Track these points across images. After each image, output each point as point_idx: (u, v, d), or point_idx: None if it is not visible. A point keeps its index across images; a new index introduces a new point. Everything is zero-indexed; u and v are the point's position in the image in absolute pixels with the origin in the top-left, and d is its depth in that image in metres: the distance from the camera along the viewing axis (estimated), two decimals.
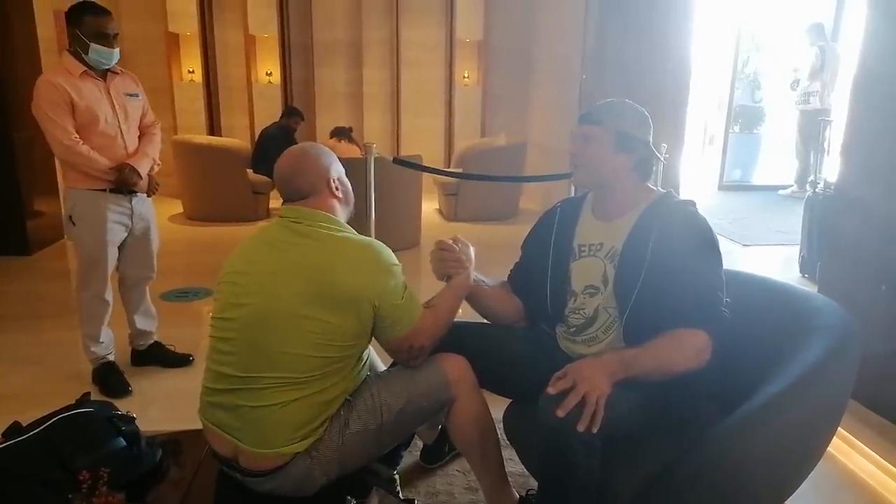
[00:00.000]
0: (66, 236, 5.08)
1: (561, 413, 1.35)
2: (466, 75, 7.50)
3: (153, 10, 6.57)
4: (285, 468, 1.50)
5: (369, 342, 1.62)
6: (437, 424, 1.82)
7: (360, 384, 1.62)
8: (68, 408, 1.75)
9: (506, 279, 1.93)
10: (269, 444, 1.48)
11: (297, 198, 1.61)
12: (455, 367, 1.66)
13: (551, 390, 1.39)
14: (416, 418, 1.66)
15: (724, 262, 1.61)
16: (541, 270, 1.79)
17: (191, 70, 7.01)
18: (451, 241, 1.76)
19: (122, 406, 1.96)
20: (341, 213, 1.65)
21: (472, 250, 1.77)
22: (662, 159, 1.76)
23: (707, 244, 1.59)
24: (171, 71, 6.82)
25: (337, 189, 1.63)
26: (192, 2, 6.65)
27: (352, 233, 1.61)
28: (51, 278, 4.36)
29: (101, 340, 2.74)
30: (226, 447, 1.55)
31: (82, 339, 2.76)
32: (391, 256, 1.56)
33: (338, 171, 1.66)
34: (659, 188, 1.76)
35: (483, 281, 1.84)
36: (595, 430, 1.36)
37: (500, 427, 1.87)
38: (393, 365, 1.78)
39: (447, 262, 1.74)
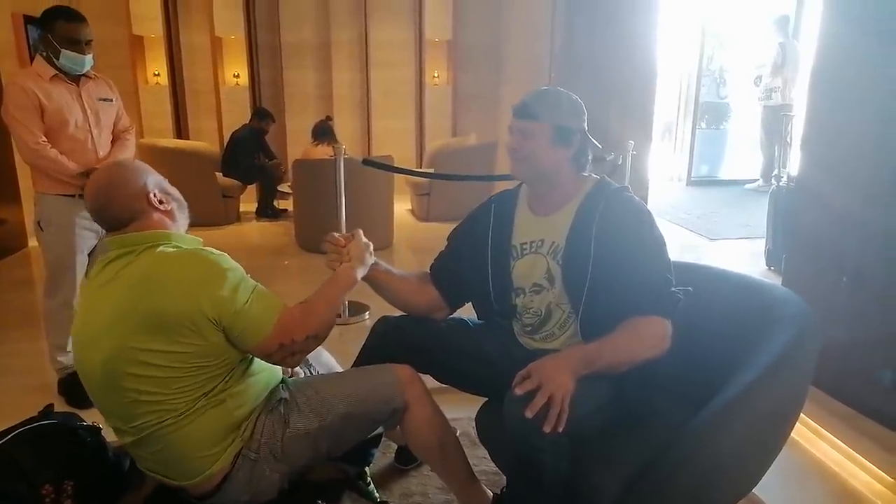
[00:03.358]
0: (30, 242, 4.97)
1: (530, 414, 1.34)
2: (436, 75, 7.50)
3: (116, 13, 6.45)
4: (230, 478, 1.48)
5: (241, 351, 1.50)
6: None
7: (301, 382, 1.63)
8: (30, 420, 1.71)
9: (426, 270, 1.89)
10: (196, 473, 1.47)
11: (120, 227, 1.48)
12: (404, 373, 1.64)
13: (518, 391, 1.38)
14: (365, 422, 1.62)
15: (691, 256, 1.64)
16: (480, 269, 1.77)
17: (156, 73, 6.90)
18: (340, 236, 1.72)
19: (89, 417, 1.92)
20: (176, 226, 1.54)
21: (363, 247, 1.70)
22: (600, 146, 1.74)
23: (647, 229, 1.59)
24: (136, 74, 6.70)
25: (161, 203, 1.51)
26: (156, 4, 6.53)
27: (189, 244, 1.50)
28: (13, 288, 4.26)
29: (67, 350, 2.68)
30: (169, 483, 1.53)
31: (48, 349, 2.70)
32: (221, 262, 1.43)
33: (156, 182, 1.54)
34: (592, 175, 1.74)
35: (390, 270, 1.82)
36: (561, 430, 1.36)
37: (472, 427, 1.88)
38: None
39: (328, 254, 1.70)
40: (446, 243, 1.91)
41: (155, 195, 1.51)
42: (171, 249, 1.44)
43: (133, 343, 1.37)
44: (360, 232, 1.73)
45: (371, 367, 1.68)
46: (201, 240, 1.56)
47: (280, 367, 1.63)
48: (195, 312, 1.36)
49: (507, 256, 1.75)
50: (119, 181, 1.49)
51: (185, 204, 1.59)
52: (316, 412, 1.55)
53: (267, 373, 1.59)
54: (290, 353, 1.48)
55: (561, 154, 1.65)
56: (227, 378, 1.47)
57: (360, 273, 1.68)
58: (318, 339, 1.53)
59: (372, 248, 1.73)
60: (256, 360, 1.56)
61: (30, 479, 1.52)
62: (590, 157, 1.71)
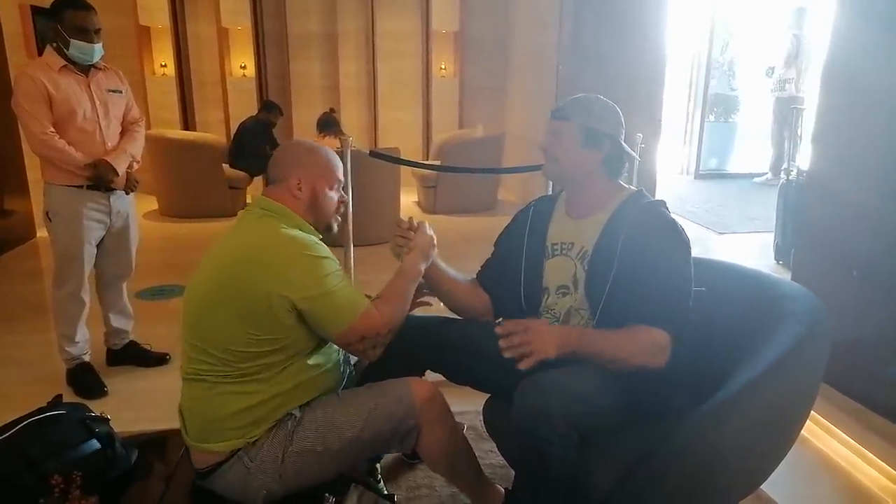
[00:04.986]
0: (38, 233, 5.00)
1: (503, 345, 1.44)
2: (443, 67, 7.47)
3: (123, 4, 6.44)
4: (221, 469, 1.51)
5: (310, 344, 1.55)
6: None
7: (316, 397, 1.59)
8: (39, 411, 1.72)
9: (475, 276, 1.92)
10: (202, 438, 1.52)
11: (270, 181, 1.62)
12: (422, 393, 1.60)
13: (504, 344, 1.45)
14: (375, 446, 1.61)
15: (700, 250, 1.63)
16: (514, 268, 1.80)
17: (163, 64, 6.90)
18: (408, 220, 1.75)
19: (97, 407, 1.93)
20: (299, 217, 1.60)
21: (428, 239, 1.73)
22: (636, 157, 1.76)
23: (675, 246, 1.59)
24: (142, 65, 6.70)
25: (298, 189, 1.58)
26: None
27: (306, 230, 1.57)
28: (22, 279, 4.28)
29: (76, 340, 2.70)
30: (184, 438, 1.59)
31: (57, 339, 2.72)
32: (315, 249, 1.49)
33: (312, 177, 1.59)
34: (630, 186, 1.76)
35: (447, 270, 1.84)
36: (523, 367, 1.41)
37: (480, 421, 1.87)
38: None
39: (394, 236, 1.73)
40: (493, 249, 1.94)
41: (299, 181, 1.58)
42: (285, 229, 1.51)
43: (212, 292, 1.48)
44: (426, 224, 1.75)
45: (388, 386, 1.63)
46: (319, 238, 1.60)
47: (329, 383, 1.65)
48: (267, 285, 1.43)
49: (540, 255, 1.76)
50: (298, 149, 1.66)
51: (323, 213, 1.63)
52: (321, 435, 1.53)
53: (311, 384, 1.59)
54: (371, 346, 1.55)
55: (590, 156, 1.67)
56: (284, 367, 1.52)
57: (424, 266, 1.71)
58: (394, 332, 1.60)
59: (436, 241, 1.76)
60: (313, 367, 1.58)
61: (38, 470, 1.53)
62: (625, 165, 1.73)
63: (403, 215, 5.50)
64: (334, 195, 1.65)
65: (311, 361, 1.58)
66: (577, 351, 1.50)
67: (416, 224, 1.74)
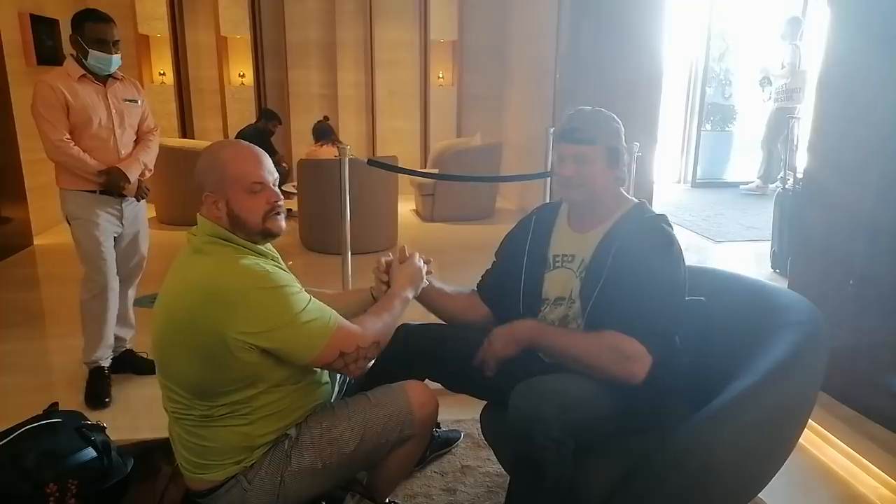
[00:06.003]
0: (35, 241, 4.99)
1: (478, 363, 1.65)
2: (441, 76, 7.50)
3: (122, 13, 6.46)
4: (218, 492, 1.47)
5: (285, 371, 1.46)
6: None
7: (308, 411, 1.55)
8: (35, 419, 1.71)
9: (475, 287, 1.92)
10: (195, 470, 1.48)
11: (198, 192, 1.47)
12: (421, 400, 1.59)
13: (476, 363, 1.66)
14: (374, 456, 1.59)
15: (697, 258, 1.64)
16: (514, 278, 1.79)
17: (162, 72, 6.92)
18: (387, 261, 1.74)
19: (94, 415, 1.92)
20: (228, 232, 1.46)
21: (416, 269, 1.73)
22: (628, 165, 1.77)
23: (662, 260, 1.56)
24: (141, 73, 6.72)
25: (217, 208, 1.44)
26: (161, 4, 6.56)
27: (251, 253, 1.45)
28: (19, 286, 4.26)
29: (102, 343, 2.71)
30: (180, 465, 1.55)
31: (82, 342, 2.72)
32: (267, 281, 1.37)
33: (223, 191, 1.44)
34: (632, 198, 1.75)
35: (443, 288, 1.85)
36: (488, 374, 1.63)
37: (477, 429, 1.87)
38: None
39: (375, 271, 1.76)
40: (493, 260, 1.93)
41: (214, 200, 1.44)
42: (239, 259, 1.40)
43: (173, 339, 1.41)
44: (417, 254, 1.76)
45: (384, 395, 1.60)
46: (272, 258, 1.52)
47: (329, 396, 1.62)
48: (228, 335, 1.34)
49: (541, 266, 1.76)
50: (202, 167, 1.48)
51: (250, 226, 1.45)
52: (319, 452, 1.50)
53: (306, 401, 1.55)
54: (353, 360, 1.47)
55: (612, 174, 1.66)
56: (267, 396, 1.45)
57: (411, 294, 1.71)
58: (380, 345, 1.54)
59: (425, 271, 1.76)
60: (305, 386, 1.53)
61: (33, 478, 1.52)
62: (626, 173, 1.73)
63: (401, 224, 5.50)
64: (256, 199, 1.44)
65: (293, 385, 1.50)
66: (535, 345, 1.61)
67: (407, 254, 1.75)
